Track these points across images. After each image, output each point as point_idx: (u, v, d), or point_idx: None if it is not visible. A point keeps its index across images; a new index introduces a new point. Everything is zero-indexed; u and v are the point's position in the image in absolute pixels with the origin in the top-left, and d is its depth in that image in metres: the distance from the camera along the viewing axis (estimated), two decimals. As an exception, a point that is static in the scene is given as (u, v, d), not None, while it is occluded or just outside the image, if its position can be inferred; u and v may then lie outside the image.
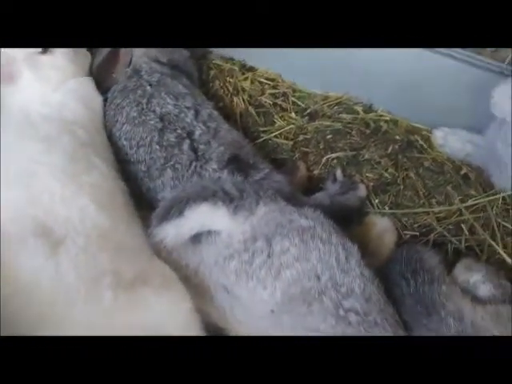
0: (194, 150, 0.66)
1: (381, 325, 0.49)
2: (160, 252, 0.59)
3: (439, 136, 0.84)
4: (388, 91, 0.90)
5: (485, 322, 0.50)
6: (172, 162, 0.65)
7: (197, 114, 0.70)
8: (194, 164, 0.65)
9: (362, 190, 0.76)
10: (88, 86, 0.71)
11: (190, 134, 0.67)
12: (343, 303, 0.50)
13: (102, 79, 0.75)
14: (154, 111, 0.68)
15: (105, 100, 0.73)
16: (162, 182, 0.66)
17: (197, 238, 0.58)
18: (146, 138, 0.67)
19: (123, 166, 0.68)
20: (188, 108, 0.70)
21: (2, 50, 0.61)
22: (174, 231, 0.57)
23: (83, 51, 0.74)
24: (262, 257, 0.53)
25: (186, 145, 0.66)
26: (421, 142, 0.85)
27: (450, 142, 0.83)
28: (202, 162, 0.65)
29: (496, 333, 0.48)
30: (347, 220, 0.69)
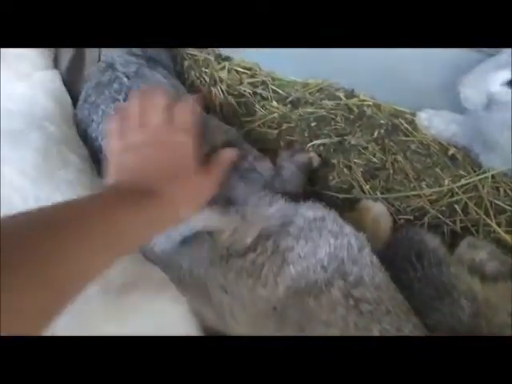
0: None
1: (393, 312, 0.47)
2: (148, 255, 0.55)
3: (424, 118, 0.83)
4: (368, 76, 0.89)
5: (498, 300, 0.49)
6: None
7: None
8: None
9: (310, 153, 0.76)
10: (57, 79, 0.66)
11: None
12: (353, 292, 0.47)
13: (72, 80, 0.69)
14: None
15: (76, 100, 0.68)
16: None
17: (187, 238, 0.55)
18: None
19: (99, 165, 0.63)
20: None
21: None
22: (164, 237, 0.53)
23: None
24: (266, 255, 0.50)
25: None
26: (405, 125, 0.84)
27: (435, 123, 0.82)
28: None
29: (510, 310, 0.47)
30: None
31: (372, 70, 0.87)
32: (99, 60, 0.70)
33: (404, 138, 0.82)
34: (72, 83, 0.68)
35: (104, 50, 0.72)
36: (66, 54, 0.68)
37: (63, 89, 0.66)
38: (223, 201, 0.57)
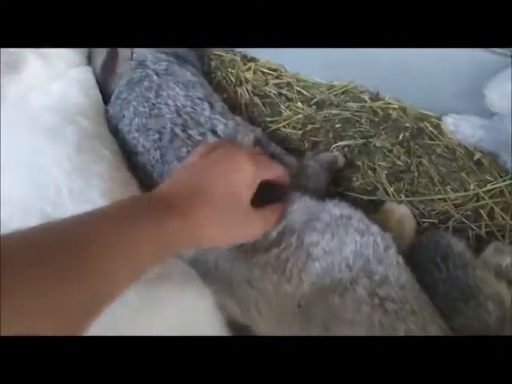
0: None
1: (418, 312, 0.47)
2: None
3: (449, 122, 0.83)
4: (393, 79, 0.89)
5: (527, 305, 0.48)
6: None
7: (211, 106, 0.67)
8: None
9: (335, 153, 0.77)
10: (90, 76, 0.68)
11: (212, 128, 0.64)
12: (378, 291, 0.47)
13: (107, 79, 0.71)
14: (166, 104, 0.65)
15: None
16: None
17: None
18: (164, 128, 0.63)
19: (130, 157, 0.64)
20: (201, 99, 0.66)
21: None
22: None
23: None
24: (290, 249, 0.50)
25: (211, 137, 0.63)
26: (431, 129, 0.84)
27: (461, 128, 0.82)
28: None
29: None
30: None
31: (397, 73, 0.87)
32: (131, 58, 0.72)
33: (429, 142, 0.82)
34: (105, 81, 0.70)
35: (136, 48, 0.74)
36: (100, 51, 0.70)
37: (96, 86, 0.68)
38: None
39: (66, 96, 0.61)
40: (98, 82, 0.69)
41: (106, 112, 0.68)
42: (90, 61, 0.72)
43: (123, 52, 0.73)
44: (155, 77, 0.68)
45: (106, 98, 0.70)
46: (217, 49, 0.95)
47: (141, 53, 0.73)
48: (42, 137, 0.55)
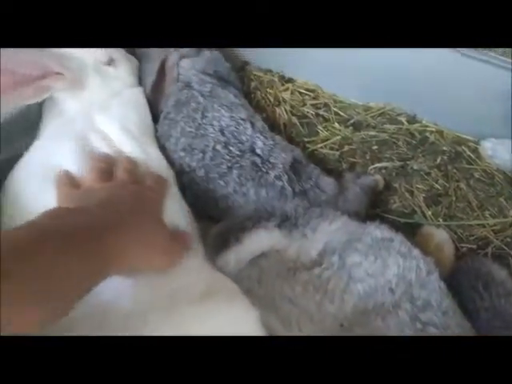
0: (260, 157, 0.66)
1: (461, 339, 0.47)
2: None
3: (488, 147, 0.83)
4: (430, 102, 0.89)
5: None
6: (237, 165, 0.65)
7: (253, 125, 0.69)
8: (258, 172, 0.65)
9: (375, 175, 0.77)
10: (142, 96, 0.71)
11: (252, 146, 0.67)
12: (420, 316, 0.48)
13: (156, 100, 0.74)
14: (211, 125, 0.68)
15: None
16: (225, 181, 0.65)
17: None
18: (207, 147, 0.66)
19: (177, 175, 0.67)
20: (243, 120, 0.69)
21: (74, 54, 0.62)
22: (234, 259, 0.56)
23: (136, 63, 0.75)
24: (332, 269, 0.52)
25: (249, 155, 0.66)
26: (469, 153, 0.84)
27: (500, 152, 0.82)
28: (266, 168, 0.65)
29: None
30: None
31: (434, 96, 0.88)
32: (178, 80, 0.76)
33: (467, 166, 0.82)
34: (154, 101, 0.74)
35: (181, 70, 0.78)
36: (150, 73, 0.74)
37: (147, 105, 0.72)
38: (282, 219, 0.59)
39: (122, 114, 0.65)
40: (148, 102, 0.73)
41: (155, 131, 0.72)
42: (140, 82, 0.76)
43: (170, 73, 0.77)
44: (201, 98, 0.71)
45: (155, 118, 0.73)
46: (254, 68, 0.98)
47: (186, 75, 0.76)
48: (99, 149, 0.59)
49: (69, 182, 0.52)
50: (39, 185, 0.55)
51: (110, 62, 0.68)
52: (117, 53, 0.71)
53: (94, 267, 0.38)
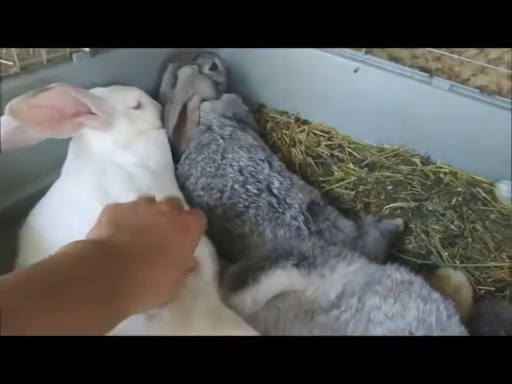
0: (276, 197, 0.67)
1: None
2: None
3: (503, 189, 0.84)
4: (444, 143, 0.91)
5: None
6: (254, 205, 0.67)
7: (270, 165, 0.72)
8: (274, 212, 0.66)
9: (396, 219, 0.77)
10: (165, 137, 0.75)
11: (269, 185, 0.69)
12: (441, 362, 0.47)
13: (178, 141, 0.77)
14: (231, 165, 0.70)
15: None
16: (242, 221, 0.66)
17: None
18: (226, 186, 0.69)
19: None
20: (262, 160, 0.72)
21: (104, 98, 0.67)
22: (251, 298, 0.56)
23: (160, 107, 0.79)
24: (350, 312, 0.52)
25: (266, 194, 0.67)
26: (483, 194, 0.85)
27: (515, 194, 0.82)
28: (282, 208, 0.66)
29: None
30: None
31: (447, 138, 0.90)
32: (199, 124, 0.79)
33: (482, 207, 0.82)
34: (176, 142, 0.77)
35: (202, 113, 0.81)
36: (172, 116, 0.78)
37: (168, 146, 0.75)
38: (300, 258, 0.60)
39: (146, 153, 0.68)
40: (170, 142, 0.76)
41: (175, 169, 0.75)
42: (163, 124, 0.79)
43: (192, 116, 0.81)
44: (221, 141, 0.74)
45: (175, 158, 0.76)
46: (270, 110, 1.02)
47: (207, 117, 0.80)
48: (122, 187, 0.61)
49: None
50: (59, 219, 0.58)
51: (138, 106, 0.72)
52: (144, 98, 0.76)
53: (109, 313, 0.37)
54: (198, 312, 0.51)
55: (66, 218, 0.57)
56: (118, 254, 0.39)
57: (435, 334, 0.49)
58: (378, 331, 0.50)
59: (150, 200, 0.49)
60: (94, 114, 0.64)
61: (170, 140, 0.76)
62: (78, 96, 0.61)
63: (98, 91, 0.69)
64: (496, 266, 0.73)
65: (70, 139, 0.67)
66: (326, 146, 0.97)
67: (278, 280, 0.57)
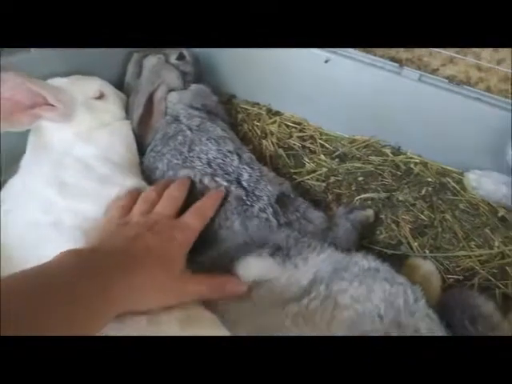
0: (245, 190, 0.66)
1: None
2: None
3: (472, 178, 0.84)
4: (415, 134, 0.91)
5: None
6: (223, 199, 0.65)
7: (240, 157, 0.70)
8: (243, 204, 0.64)
9: (367, 210, 0.77)
10: (129, 129, 0.72)
11: (238, 177, 0.67)
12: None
13: (143, 133, 0.75)
14: (199, 157, 0.68)
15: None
16: None
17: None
18: (195, 177, 0.66)
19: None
20: (230, 152, 0.70)
21: (63, 88, 0.64)
22: None
23: (124, 98, 0.76)
24: (320, 299, 0.51)
25: (234, 187, 0.66)
26: (453, 184, 0.85)
27: (484, 184, 0.83)
28: (251, 201, 0.65)
29: None
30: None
31: (418, 128, 0.90)
32: (166, 113, 0.77)
33: (452, 197, 0.83)
34: (141, 134, 0.74)
35: (169, 104, 0.79)
36: (137, 107, 0.75)
37: (133, 138, 0.72)
38: (275, 249, 0.59)
39: (108, 145, 0.66)
40: (135, 135, 0.73)
41: (141, 163, 0.72)
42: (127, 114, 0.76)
43: (158, 107, 0.78)
44: (188, 132, 0.72)
45: (141, 151, 0.73)
46: (240, 101, 1.00)
47: (174, 108, 0.77)
48: (85, 178, 0.60)
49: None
50: (16, 214, 0.57)
51: (100, 96, 0.69)
52: (107, 88, 0.73)
53: (97, 312, 0.41)
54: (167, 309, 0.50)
55: (21, 209, 0.57)
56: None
57: (403, 317, 0.48)
58: (345, 316, 0.49)
59: (124, 212, 0.57)
60: (51, 105, 0.61)
61: (134, 132, 0.74)
62: (33, 86, 0.58)
63: (57, 81, 0.66)
64: (465, 255, 0.74)
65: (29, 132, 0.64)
66: (298, 137, 0.95)
67: (253, 268, 0.56)
